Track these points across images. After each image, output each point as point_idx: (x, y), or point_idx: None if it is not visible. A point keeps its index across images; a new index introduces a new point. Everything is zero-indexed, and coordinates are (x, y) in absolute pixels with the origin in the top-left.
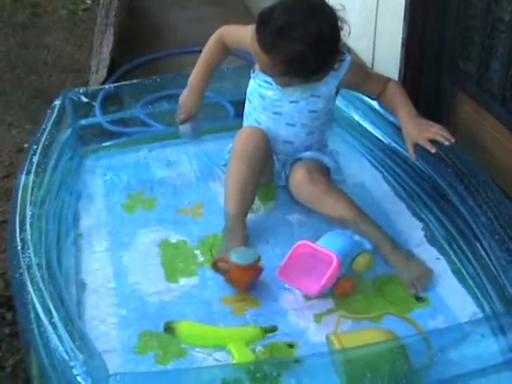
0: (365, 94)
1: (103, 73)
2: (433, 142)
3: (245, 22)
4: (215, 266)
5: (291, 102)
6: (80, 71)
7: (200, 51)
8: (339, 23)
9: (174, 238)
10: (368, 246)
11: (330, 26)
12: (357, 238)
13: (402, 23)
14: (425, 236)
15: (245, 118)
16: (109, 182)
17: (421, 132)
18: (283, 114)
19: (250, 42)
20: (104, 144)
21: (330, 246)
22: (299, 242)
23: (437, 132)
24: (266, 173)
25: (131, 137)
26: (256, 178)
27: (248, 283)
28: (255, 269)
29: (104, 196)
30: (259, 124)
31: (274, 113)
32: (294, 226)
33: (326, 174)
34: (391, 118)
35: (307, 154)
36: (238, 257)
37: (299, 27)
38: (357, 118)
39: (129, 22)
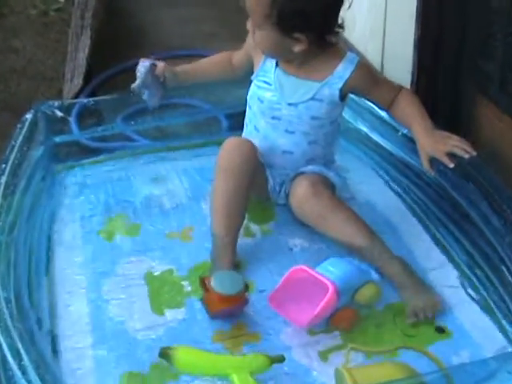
0: (374, 103)
1: (79, 81)
2: (451, 155)
3: (238, 24)
4: (202, 284)
5: (290, 104)
6: (53, 79)
7: (188, 55)
8: None
9: (159, 269)
10: (375, 276)
11: None
12: (363, 266)
13: (413, 22)
14: (443, 260)
15: (245, 126)
16: (85, 203)
17: (437, 144)
18: (282, 120)
19: None
20: (80, 162)
21: (329, 272)
22: (295, 267)
23: (455, 144)
24: (256, 188)
25: (111, 153)
26: (244, 195)
27: (220, 313)
28: (235, 300)
29: (80, 220)
30: (258, 131)
31: (273, 117)
32: (296, 252)
33: (331, 190)
34: (404, 130)
35: (310, 167)
36: (219, 282)
37: None
38: (365, 130)
39: (108, 23)
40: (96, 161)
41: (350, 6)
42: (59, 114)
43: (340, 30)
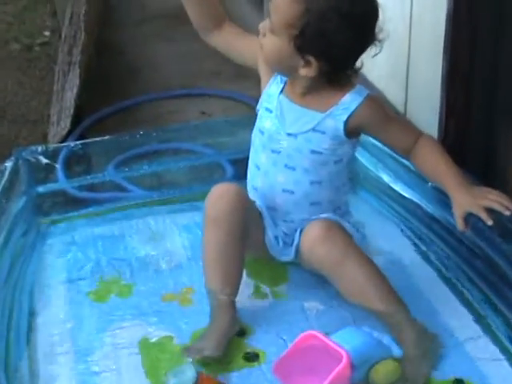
0: (389, 147)
1: (66, 124)
2: (489, 210)
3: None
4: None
5: (289, 134)
6: (37, 122)
7: (188, 95)
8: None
9: (155, 335)
10: (397, 352)
11: (373, 9)
12: (385, 339)
13: (441, 57)
14: (479, 331)
15: (248, 169)
16: (72, 262)
17: (474, 199)
18: (281, 153)
19: None
20: (67, 215)
21: (345, 342)
22: (306, 332)
23: (494, 199)
24: (252, 241)
25: (102, 205)
26: (238, 246)
27: None
28: None
29: (66, 282)
30: (259, 169)
31: (273, 151)
32: (311, 317)
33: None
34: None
35: (323, 215)
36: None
37: None
38: (388, 179)
39: (98, 59)
40: (85, 214)
41: (375, 55)
42: (43, 160)
43: (354, 74)
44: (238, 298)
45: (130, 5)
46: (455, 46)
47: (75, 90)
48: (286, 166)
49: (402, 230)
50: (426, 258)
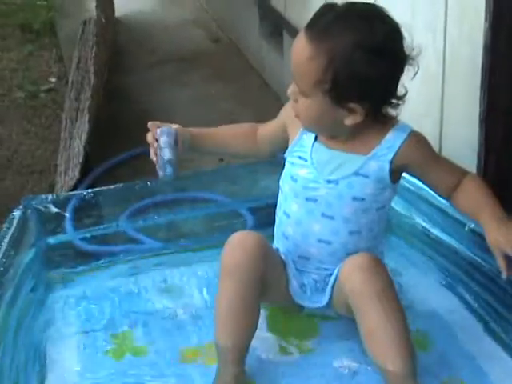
0: (432, 187)
1: (75, 173)
2: None
3: (262, 102)
4: None
5: (329, 181)
6: (43, 172)
7: None
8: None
9: None
10: None
11: (395, 37)
12: None
13: (478, 93)
14: None
15: (276, 217)
16: (85, 318)
17: (510, 237)
18: (318, 201)
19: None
20: (78, 269)
21: None
22: None
23: None
24: (274, 291)
25: (115, 257)
26: (252, 298)
27: None
28: None
29: (78, 337)
30: (288, 217)
31: (308, 199)
32: (344, 377)
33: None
34: (471, 224)
35: None
36: None
37: (363, 19)
38: (422, 223)
39: (108, 105)
40: (97, 267)
41: (415, 75)
42: (54, 209)
43: (400, 102)
44: (263, 356)
45: (139, 50)
46: (494, 79)
47: (84, 137)
48: (323, 214)
49: (438, 278)
50: (467, 307)
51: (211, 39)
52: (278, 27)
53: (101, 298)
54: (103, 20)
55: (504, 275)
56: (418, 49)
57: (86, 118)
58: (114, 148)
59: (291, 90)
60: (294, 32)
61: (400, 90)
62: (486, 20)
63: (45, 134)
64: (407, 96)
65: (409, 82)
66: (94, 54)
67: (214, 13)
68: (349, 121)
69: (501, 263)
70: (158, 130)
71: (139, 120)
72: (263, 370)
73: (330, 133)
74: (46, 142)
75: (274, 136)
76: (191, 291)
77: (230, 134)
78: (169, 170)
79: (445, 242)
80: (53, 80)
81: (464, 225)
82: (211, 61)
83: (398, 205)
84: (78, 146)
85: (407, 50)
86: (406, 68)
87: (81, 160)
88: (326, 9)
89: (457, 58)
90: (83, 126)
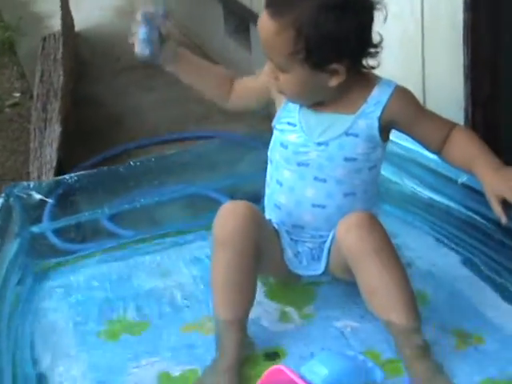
0: (421, 143)
1: (48, 177)
2: None
3: None
4: None
5: (319, 144)
6: (15, 180)
7: (178, 139)
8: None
9: (177, 370)
10: (380, 376)
11: None
12: (370, 364)
13: (460, 48)
14: None
15: (266, 188)
16: (77, 305)
17: (507, 182)
18: (310, 165)
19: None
20: (65, 258)
21: (315, 374)
22: (273, 367)
23: None
24: (269, 262)
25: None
26: (248, 268)
27: None
28: None
29: (73, 326)
30: (281, 185)
31: (299, 164)
32: (346, 336)
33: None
34: (463, 178)
35: None
36: None
37: None
38: (413, 186)
39: (77, 112)
40: (85, 255)
41: (385, 19)
42: (37, 196)
43: (378, 50)
44: (265, 324)
45: (103, 59)
46: (477, 34)
47: (55, 145)
48: (315, 178)
49: (434, 238)
50: (465, 261)
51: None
52: (244, 22)
53: (91, 285)
54: (64, 34)
55: (504, 221)
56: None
57: (56, 127)
58: (86, 153)
59: (268, 69)
60: None
61: (375, 38)
62: None
63: (13, 146)
64: (386, 54)
65: (387, 40)
66: (57, 66)
67: (177, 20)
68: (333, 82)
69: (498, 210)
70: (144, 10)
71: (110, 124)
72: (266, 337)
73: (317, 99)
74: (15, 153)
75: (250, 94)
76: (182, 272)
77: (209, 71)
78: (143, 48)
79: (437, 202)
80: (17, 95)
81: (456, 181)
82: None
83: (386, 171)
84: (50, 153)
85: None
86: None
87: (54, 165)
88: None
89: (436, 16)
90: (53, 135)
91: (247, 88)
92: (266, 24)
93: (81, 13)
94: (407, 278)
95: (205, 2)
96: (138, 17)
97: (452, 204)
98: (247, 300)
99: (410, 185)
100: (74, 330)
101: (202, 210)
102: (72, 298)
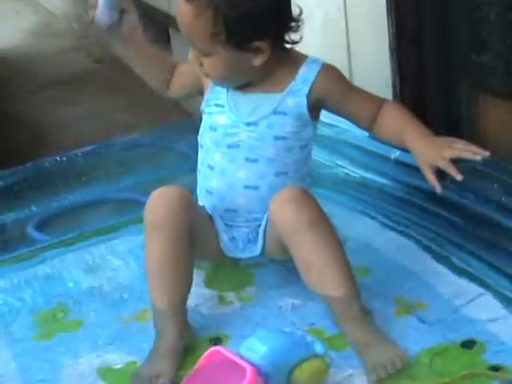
0: (353, 121)
1: None
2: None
3: (161, 109)
4: None
5: (248, 124)
6: None
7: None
8: None
9: (118, 362)
10: (320, 349)
11: None
12: (308, 337)
13: (385, 22)
14: (476, 291)
15: (198, 175)
16: (6, 310)
17: (440, 150)
18: (241, 146)
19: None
20: None
21: (253, 351)
22: (211, 349)
23: (462, 148)
24: (203, 247)
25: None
26: (183, 253)
27: None
28: None
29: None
30: (212, 169)
31: (229, 146)
32: (287, 313)
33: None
34: (396, 153)
35: None
36: None
37: None
38: (344, 167)
39: None
40: (11, 258)
41: None
42: None
43: (299, 24)
44: (205, 311)
45: (22, 78)
46: (400, 8)
47: None
48: (247, 159)
49: (370, 216)
50: (403, 235)
51: (94, 60)
52: (162, 30)
53: (20, 286)
54: None
55: (438, 190)
56: None
57: None
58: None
59: (192, 55)
60: None
61: (295, 11)
62: None
63: None
64: (309, 35)
65: (309, 22)
66: None
67: (94, 37)
68: (257, 61)
69: (432, 180)
70: None
71: (32, 139)
72: (206, 323)
73: (244, 80)
74: None
75: (186, 80)
76: (114, 264)
77: (157, 58)
78: (104, 14)
79: (370, 180)
80: None
81: (388, 158)
82: (98, 79)
83: (317, 155)
84: None
85: None
86: None
87: None
88: None
89: None
90: None
91: (184, 74)
92: (183, 9)
93: None
94: (343, 250)
95: None
96: None
97: (385, 181)
98: (184, 285)
99: (343, 166)
100: (5, 334)
101: (129, 207)
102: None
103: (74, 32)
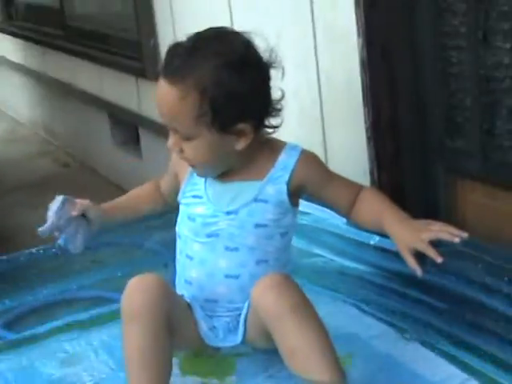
0: (332, 207)
1: None
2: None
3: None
4: None
5: (228, 213)
6: None
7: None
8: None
9: None
10: None
11: (251, 46)
12: None
13: (361, 110)
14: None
15: (177, 265)
16: None
17: (418, 233)
18: (220, 235)
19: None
20: None
21: None
22: None
23: (439, 229)
24: (183, 336)
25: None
26: (162, 343)
27: None
28: None
29: None
30: (191, 259)
31: (209, 235)
32: None
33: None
34: (375, 238)
35: None
36: None
37: (215, 42)
38: (323, 256)
39: None
40: None
41: (283, 76)
42: None
43: (279, 108)
44: None
45: None
46: (375, 95)
47: None
48: (226, 248)
49: (353, 305)
50: (384, 322)
51: (60, 164)
52: (131, 130)
53: None
54: None
55: (419, 273)
56: (275, 51)
57: None
58: None
59: (172, 141)
60: (151, 125)
61: (276, 94)
62: (358, 36)
63: None
64: (287, 130)
65: (287, 121)
66: None
67: (61, 142)
68: (240, 144)
69: (412, 263)
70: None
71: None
72: None
73: (226, 166)
74: None
75: (173, 186)
76: (90, 357)
77: (139, 201)
78: (61, 240)
79: (351, 268)
80: None
81: (364, 244)
82: (64, 183)
83: (296, 243)
84: None
85: (266, 55)
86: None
87: None
88: (174, 48)
89: (332, 81)
90: None
91: (169, 184)
92: (167, 92)
93: None
94: (327, 334)
95: (90, 117)
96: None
97: (365, 268)
98: (163, 375)
99: (321, 255)
100: None
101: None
102: None
103: (40, 138)
